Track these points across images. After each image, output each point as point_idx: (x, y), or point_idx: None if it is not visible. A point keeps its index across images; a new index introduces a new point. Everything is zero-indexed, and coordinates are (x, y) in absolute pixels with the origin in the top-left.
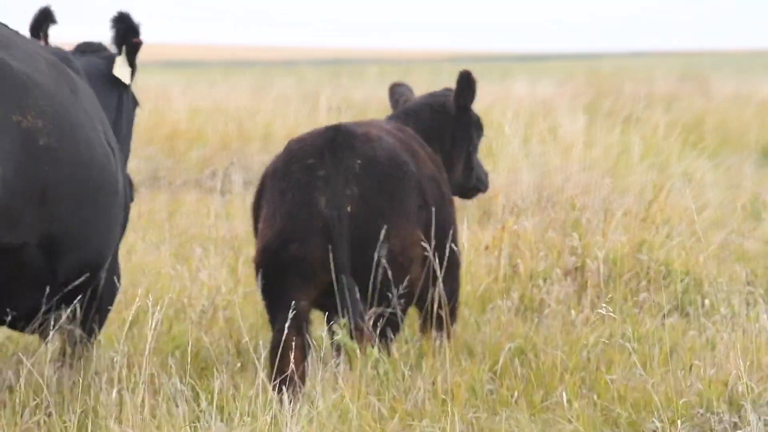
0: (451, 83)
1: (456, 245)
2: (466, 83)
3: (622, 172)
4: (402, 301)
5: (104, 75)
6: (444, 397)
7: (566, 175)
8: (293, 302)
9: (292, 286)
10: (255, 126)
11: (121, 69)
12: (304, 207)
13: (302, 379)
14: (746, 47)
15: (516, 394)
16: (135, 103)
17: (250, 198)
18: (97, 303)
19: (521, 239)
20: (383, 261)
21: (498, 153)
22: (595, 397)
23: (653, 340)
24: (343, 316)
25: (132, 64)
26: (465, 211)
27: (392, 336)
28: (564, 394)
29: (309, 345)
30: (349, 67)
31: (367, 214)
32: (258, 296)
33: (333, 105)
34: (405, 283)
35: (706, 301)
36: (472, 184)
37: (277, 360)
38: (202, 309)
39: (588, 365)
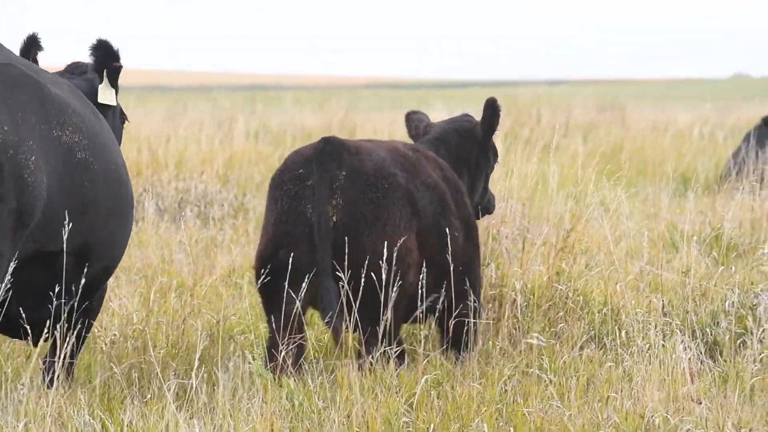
0: (369, 109)
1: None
2: (492, 110)
3: (539, 201)
4: (401, 306)
5: (88, 96)
6: (359, 429)
7: None
8: (284, 304)
9: (284, 289)
10: (168, 153)
11: (105, 94)
12: (292, 215)
13: (299, 372)
14: (663, 77)
15: (432, 426)
16: (123, 118)
17: (164, 225)
18: (96, 306)
19: None
20: (382, 265)
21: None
22: (512, 429)
23: (570, 372)
24: (323, 318)
25: (114, 85)
26: None
27: (374, 344)
28: (481, 426)
29: (305, 342)
30: (264, 93)
31: (351, 221)
32: (176, 322)
33: (250, 131)
34: (396, 288)
35: (624, 332)
36: (485, 204)
37: (274, 358)
38: (112, 339)
39: (505, 397)
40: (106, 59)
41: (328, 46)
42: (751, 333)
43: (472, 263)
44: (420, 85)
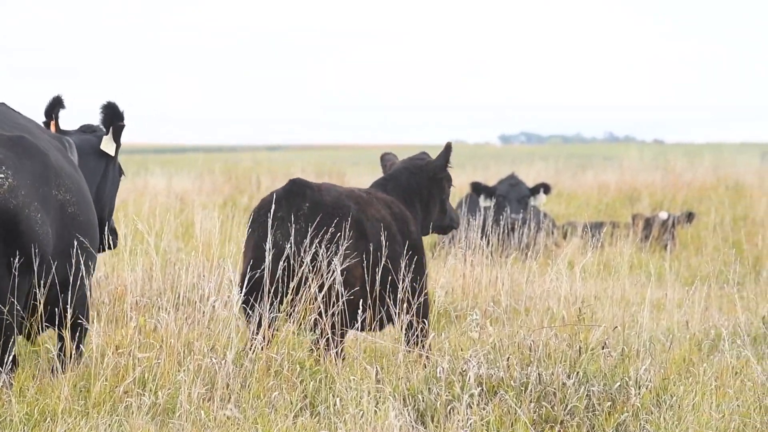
0: None
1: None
2: (446, 151)
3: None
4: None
5: (96, 149)
6: None
7: (199, 271)
8: (260, 317)
9: (258, 304)
10: None
11: (107, 145)
12: (264, 241)
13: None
14: (382, 142)
15: None
16: (121, 172)
17: None
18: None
19: (153, 336)
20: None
21: (133, 250)
22: None
23: None
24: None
25: (117, 141)
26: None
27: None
28: None
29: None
30: None
31: (310, 242)
32: None
33: None
34: (342, 300)
35: (338, 399)
36: (447, 223)
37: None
38: None
39: None
40: (112, 118)
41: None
42: (460, 399)
43: (418, 282)
44: (139, 151)
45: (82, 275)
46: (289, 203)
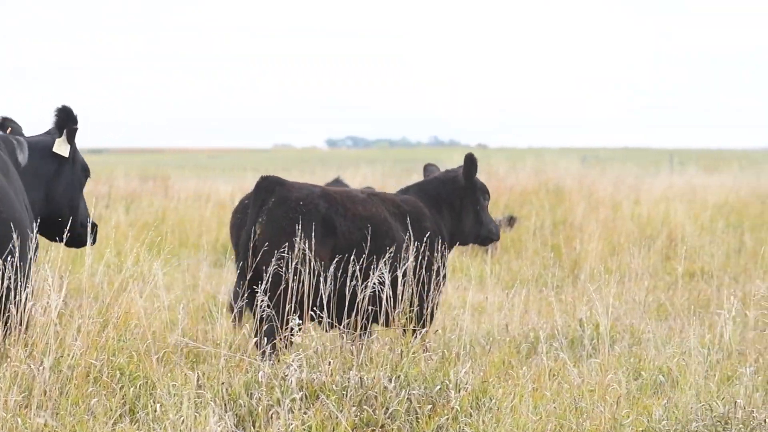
0: None
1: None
2: (470, 162)
3: (78, 273)
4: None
5: (46, 148)
6: None
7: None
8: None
9: (243, 286)
10: None
11: (60, 147)
12: (239, 232)
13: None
14: (207, 146)
15: None
16: (86, 172)
17: None
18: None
19: None
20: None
21: None
22: None
23: None
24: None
25: (71, 142)
26: None
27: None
28: None
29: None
30: None
31: (272, 234)
32: None
33: None
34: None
35: (158, 405)
36: (484, 234)
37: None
38: None
39: None
40: (66, 121)
41: None
42: (281, 404)
43: (426, 280)
44: None
45: None
46: (256, 197)
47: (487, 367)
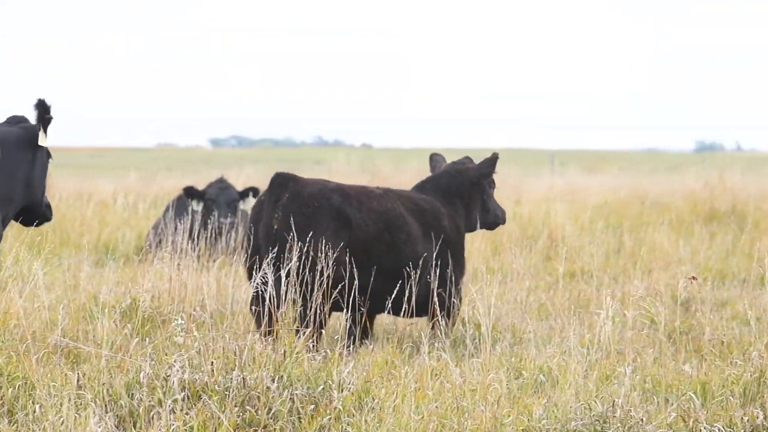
0: None
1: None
2: (490, 162)
3: None
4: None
5: (21, 139)
6: None
7: None
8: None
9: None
10: None
11: (42, 139)
12: (256, 226)
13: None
14: (87, 145)
15: None
16: (48, 155)
17: None
18: None
19: None
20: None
21: None
22: None
23: None
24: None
25: (45, 131)
26: None
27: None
28: None
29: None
30: None
31: (287, 229)
32: None
33: None
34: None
35: (38, 406)
36: (491, 219)
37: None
38: None
39: None
40: (44, 113)
41: None
42: (162, 405)
43: (450, 268)
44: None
45: None
46: (271, 192)
47: (371, 366)
